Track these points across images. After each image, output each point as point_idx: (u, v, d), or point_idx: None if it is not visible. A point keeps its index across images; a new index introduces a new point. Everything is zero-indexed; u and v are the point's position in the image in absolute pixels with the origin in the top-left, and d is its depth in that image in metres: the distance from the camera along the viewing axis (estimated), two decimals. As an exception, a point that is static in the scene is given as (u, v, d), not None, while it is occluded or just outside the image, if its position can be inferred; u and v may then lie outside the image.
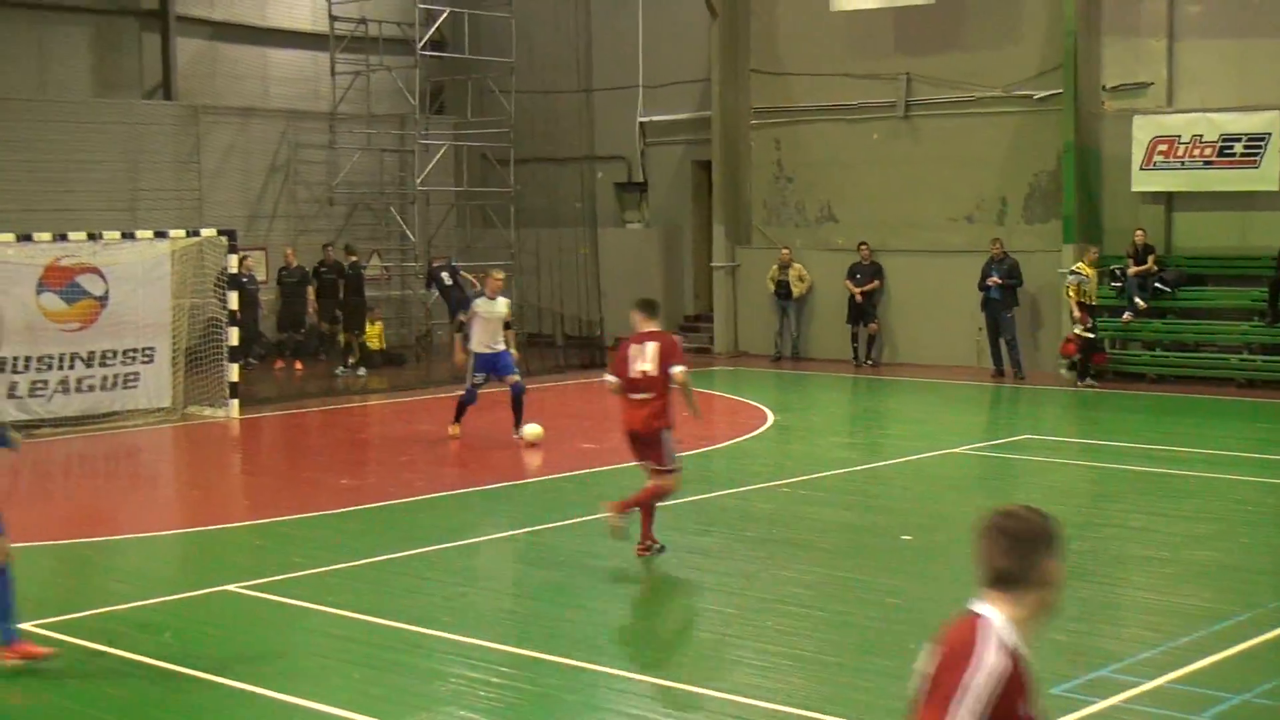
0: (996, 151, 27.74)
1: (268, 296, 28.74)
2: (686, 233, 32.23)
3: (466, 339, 19.76)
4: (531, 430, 19.15)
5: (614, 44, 32.68)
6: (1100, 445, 19.63)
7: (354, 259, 29.12)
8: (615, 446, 19.54)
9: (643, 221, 33.06)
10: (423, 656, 10.81)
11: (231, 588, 12.44)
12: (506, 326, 19.63)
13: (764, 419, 21.99)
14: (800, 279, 29.16)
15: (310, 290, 29.14)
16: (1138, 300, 25.38)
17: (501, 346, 19.45)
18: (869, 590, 12.43)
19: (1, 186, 27.34)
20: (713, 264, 30.87)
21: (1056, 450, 19.65)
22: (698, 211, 32.11)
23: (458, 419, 19.79)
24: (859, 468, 18.48)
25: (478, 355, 19.43)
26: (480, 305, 19.39)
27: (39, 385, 21.10)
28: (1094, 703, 9.56)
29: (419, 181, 31.82)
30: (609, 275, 31.13)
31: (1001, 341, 26.46)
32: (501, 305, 19.40)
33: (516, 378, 19.48)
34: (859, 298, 28.30)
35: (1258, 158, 24.61)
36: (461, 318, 20.06)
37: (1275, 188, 24.44)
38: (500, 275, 19.97)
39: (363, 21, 32.29)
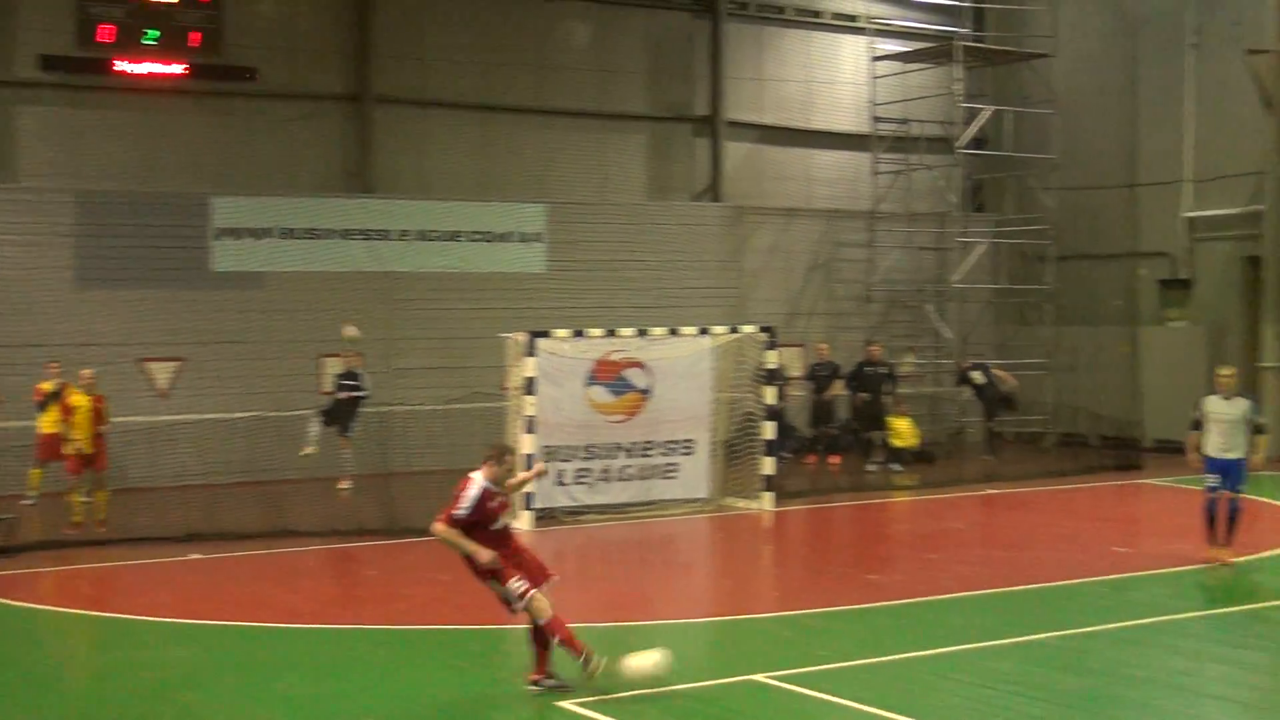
0: None
1: (795, 392, 29.25)
2: (1234, 332, 30.82)
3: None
4: (638, 663, 12.28)
5: (1160, 138, 31.84)
6: None
7: (868, 357, 29.35)
8: (1151, 551, 19.02)
9: (1187, 320, 31.84)
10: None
11: (759, 677, 12.68)
12: (1259, 431, 17.76)
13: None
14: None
15: (836, 386, 29.51)
16: None
17: (1237, 454, 17.56)
18: None
19: (559, 284, 29.13)
20: (1260, 364, 29.39)
21: None
22: (1247, 310, 30.68)
23: (1221, 542, 17.81)
24: None
25: (1209, 459, 17.71)
26: (1210, 404, 17.79)
27: (584, 473, 22.26)
28: None
29: (956, 279, 31.84)
30: (1150, 375, 30.16)
31: None
32: (1238, 405, 17.70)
33: (1238, 495, 17.61)
34: None
35: None
36: (1196, 415, 17.97)
37: None
38: (1228, 371, 18.11)
39: (904, 121, 32.75)
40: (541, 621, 12.21)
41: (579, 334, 22.51)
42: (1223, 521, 17.63)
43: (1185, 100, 31.48)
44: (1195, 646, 14.15)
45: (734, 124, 32.35)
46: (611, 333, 22.81)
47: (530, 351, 21.51)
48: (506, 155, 30.11)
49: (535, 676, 12.30)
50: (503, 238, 29.02)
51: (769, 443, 22.97)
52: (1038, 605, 16.10)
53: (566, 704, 11.79)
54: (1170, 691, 12.51)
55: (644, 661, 12.16)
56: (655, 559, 20.27)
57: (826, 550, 21.25)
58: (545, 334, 22.03)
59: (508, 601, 12.25)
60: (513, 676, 12.59)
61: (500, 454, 12.47)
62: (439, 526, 12.15)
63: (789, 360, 28.25)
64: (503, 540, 12.32)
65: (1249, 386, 29.84)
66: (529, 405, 21.44)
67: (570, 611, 12.69)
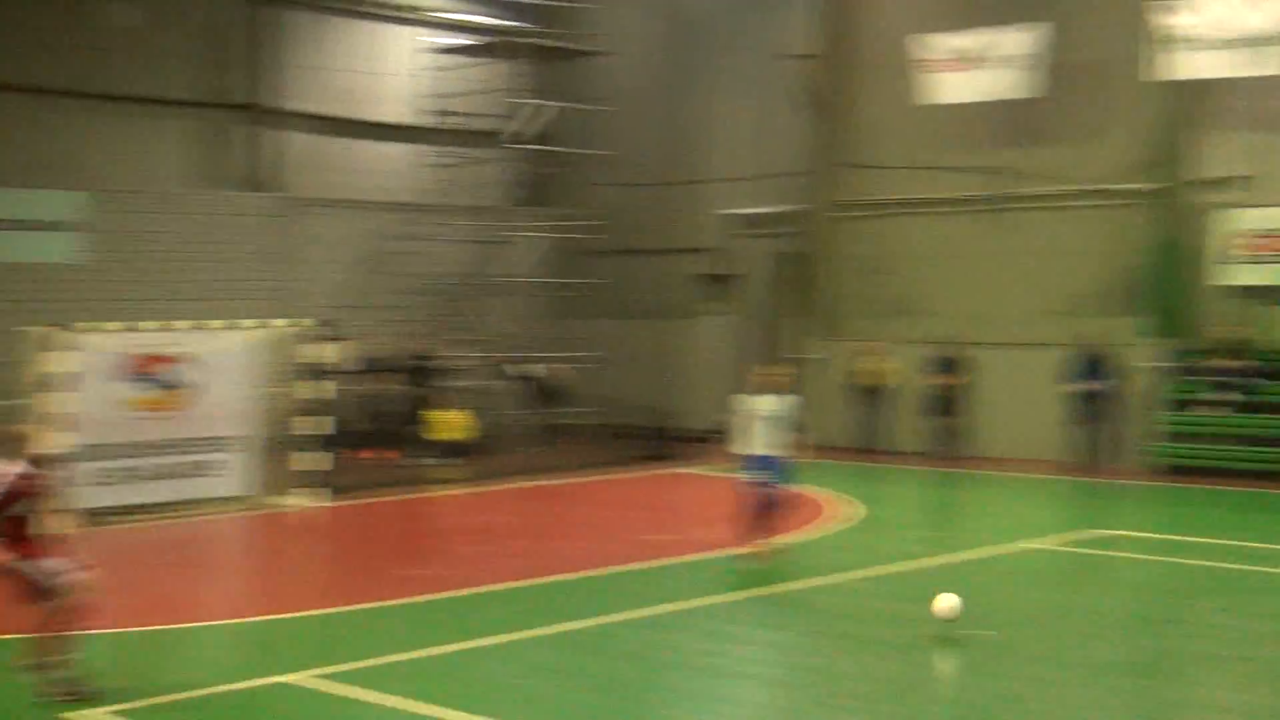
0: (1087, 245, 27.64)
1: (349, 386, 28.91)
2: (773, 325, 32.15)
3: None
4: (943, 603, 13.97)
5: (706, 138, 32.93)
6: (1181, 541, 19.30)
7: (422, 350, 29.36)
8: (686, 538, 19.58)
9: (729, 314, 33.02)
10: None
11: (293, 678, 12.41)
12: (798, 428, 17.46)
13: (843, 512, 21.81)
14: (887, 371, 29.01)
15: (391, 380, 29.34)
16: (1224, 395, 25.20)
17: (777, 451, 17.23)
18: (941, 686, 12.23)
19: (98, 276, 27.93)
20: (797, 356, 30.72)
21: (1138, 546, 19.39)
22: (785, 304, 32.07)
23: (757, 534, 17.45)
24: (937, 561, 18.25)
25: (752, 457, 17.30)
26: (748, 402, 17.48)
27: (117, 472, 21.33)
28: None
29: (507, 273, 32.06)
30: (692, 367, 31.07)
31: (1087, 435, 26.25)
32: (769, 402, 17.36)
33: (777, 489, 17.30)
34: (944, 390, 28.10)
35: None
36: (730, 414, 17.76)
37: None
38: (767, 370, 18.03)
39: (460, 115, 32.78)
40: (74, 602, 11.68)
41: (115, 327, 21.62)
42: (761, 514, 17.62)
43: (728, 102, 32.66)
44: (724, 629, 14.58)
45: (289, 113, 31.77)
46: (148, 326, 22.00)
47: (58, 345, 20.48)
48: (41, 140, 28.65)
49: (55, 688, 11.67)
50: (34, 226, 27.59)
51: (317, 438, 22.59)
52: (574, 594, 16.33)
53: (90, 712, 11.25)
54: (700, 673, 12.86)
55: (947, 603, 13.75)
56: (192, 560, 19.57)
57: (371, 546, 21.00)
58: (75, 327, 21.02)
59: (40, 582, 11.61)
60: (25, 688, 11.91)
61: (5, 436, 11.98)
62: None
63: (341, 354, 27.81)
64: (19, 527, 11.66)
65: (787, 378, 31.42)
66: (57, 402, 20.40)
67: (99, 617, 12.15)
